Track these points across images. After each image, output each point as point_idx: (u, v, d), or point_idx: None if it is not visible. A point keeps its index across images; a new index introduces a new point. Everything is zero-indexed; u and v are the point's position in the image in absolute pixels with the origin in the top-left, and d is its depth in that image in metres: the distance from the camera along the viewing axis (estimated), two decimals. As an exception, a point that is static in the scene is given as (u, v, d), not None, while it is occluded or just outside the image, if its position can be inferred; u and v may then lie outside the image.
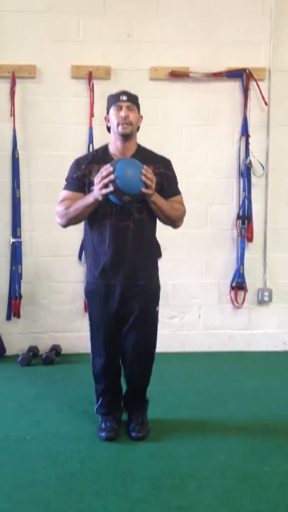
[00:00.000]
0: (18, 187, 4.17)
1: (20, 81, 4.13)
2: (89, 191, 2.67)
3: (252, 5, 4.25)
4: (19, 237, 4.19)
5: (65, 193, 2.78)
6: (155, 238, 2.85)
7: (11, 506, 2.19)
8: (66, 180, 2.81)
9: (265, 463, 2.57)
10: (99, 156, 2.75)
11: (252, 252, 4.39)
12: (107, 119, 2.76)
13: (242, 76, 4.26)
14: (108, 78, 4.17)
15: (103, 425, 2.85)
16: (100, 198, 2.55)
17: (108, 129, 2.79)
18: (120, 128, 2.66)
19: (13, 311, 4.20)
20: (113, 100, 2.73)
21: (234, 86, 4.30)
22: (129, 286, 2.70)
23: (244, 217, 4.33)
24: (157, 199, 2.64)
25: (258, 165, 4.32)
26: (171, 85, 4.25)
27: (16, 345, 4.27)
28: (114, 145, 2.75)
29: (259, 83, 4.26)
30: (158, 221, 2.83)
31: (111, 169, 2.49)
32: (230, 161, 4.35)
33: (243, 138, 4.30)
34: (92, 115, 4.13)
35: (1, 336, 4.21)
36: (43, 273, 4.28)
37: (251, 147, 4.29)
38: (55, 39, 4.14)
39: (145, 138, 4.14)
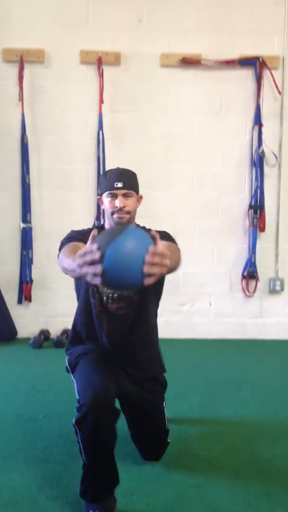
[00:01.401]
0: (28, 172, 4.18)
1: (28, 65, 4.13)
2: None
3: (266, -6, 4.23)
4: (29, 222, 4.20)
5: (66, 246, 2.16)
6: (156, 330, 2.40)
7: (24, 482, 2.19)
8: (66, 238, 2.29)
9: (275, 446, 2.56)
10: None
11: (264, 242, 4.38)
12: (100, 201, 2.32)
13: (255, 65, 4.25)
14: (118, 64, 4.17)
15: None
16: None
17: (103, 210, 2.37)
18: (115, 217, 2.24)
19: (25, 294, 4.23)
20: (106, 186, 2.25)
21: (247, 75, 4.29)
22: (133, 377, 2.26)
23: (256, 207, 4.32)
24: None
25: (271, 155, 4.30)
26: (182, 73, 4.24)
27: (27, 328, 4.30)
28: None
29: (272, 71, 4.24)
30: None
31: (97, 255, 1.59)
32: (243, 150, 4.34)
33: (256, 128, 4.29)
34: (101, 101, 4.14)
35: (12, 319, 4.23)
36: (53, 258, 4.24)
37: (264, 137, 4.28)
38: (64, 23, 4.15)
39: (156, 126, 4.17)
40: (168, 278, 4.48)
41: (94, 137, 4.15)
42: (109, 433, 1.99)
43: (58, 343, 4.04)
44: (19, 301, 4.27)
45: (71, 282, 4.19)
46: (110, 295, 2.19)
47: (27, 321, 4.31)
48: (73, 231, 2.32)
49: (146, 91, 4.21)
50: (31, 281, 4.23)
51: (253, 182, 4.33)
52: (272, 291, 4.41)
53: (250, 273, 4.37)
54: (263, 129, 4.28)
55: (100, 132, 4.15)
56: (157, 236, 1.64)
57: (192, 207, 4.34)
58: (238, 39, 4.25)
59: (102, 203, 2.30)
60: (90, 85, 4.17)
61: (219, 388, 3.33)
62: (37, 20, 4.13)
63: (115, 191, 2.22)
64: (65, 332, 4.20)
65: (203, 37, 4.21)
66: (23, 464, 2.34)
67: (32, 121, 4.19)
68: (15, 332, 4.24)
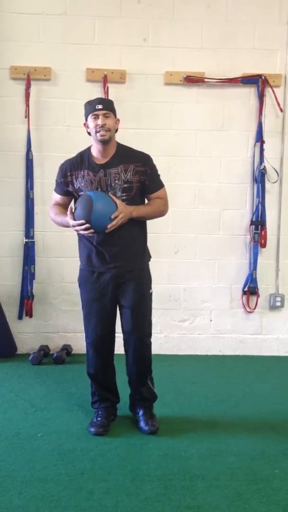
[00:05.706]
0: (32, 188, 4.21)
1: (35, 83, 4.18)
2: (78, 195, 2.88)
3: (269, 12, 4.26)
4: (32, 237, 4.22)
5: (54, 195, 3.03)
6: (142, 235, 2.98)
7: (22, 502, 2.19)
8: (56, 181, 3.01)
9: (276, 466, 2.56)
10: (80, 162, 2.91)
11: (265, 258, 4.39)
12: (86, 125, 2.90)
13: (258, 82, 4.27)
14: (123, 82, 4.21)
15: (94, 419, 2.93)
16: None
17: (89, 133, 2.90)
18: (98, 135, 2.80)
19: (25, 310, 4.23)
20: (90, 109, 2.86)
21: (250, 92, 4.31)
22: (117, 273, 2.86)
23: (258, 223, 4.32)
24: (138, 212, 2.82)
25: (272, 171, 4.32)
26: (186, 90, 4.27)
27: (27, 344, 4.31)
28: (96, 149, 2.90)
29: (274, 89, 4.26)
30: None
31: (87, 225, 2.70)
32: (244, 166, 4.35)
33: (258, 144, 4.30)
34: (106, 118, 4.16)
35: (12, 335, 4.23)
36: (55, 273, 4.30)
37: (265, 153, 4.29)
38: (71, 41, 4.19)
39: (159, 143, 4.20)
40: (169, 293, 4.49)
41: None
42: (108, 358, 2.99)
43: (57, 359, 4.03)
44: (20, 317, 4.27)
45: (72, 297, 4.25)
46: None
47: (27, 337, 4.32)
48: (57, 179, 2.99)
49: (150, 108, 4.25)
50: (32, 296, 4.24)
51: (254, 198, 4.34)
52: (273, 307, 4.41)
53: (251, 289, 4.37)
54: (265, 146, 4.29)
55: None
56: (117, 201, 2.72)
57: (194, 222, 4.35)
58: (241, 57, 4.28)
59: (88, 127, 2.87)
60: (95, 103, 4.21)
61: (219, 405, 3.33)
62: (44, 39, 4.18)
63: (97, 112, 2.80)
64: (64, 348, 4.20)
65: (206, 55, 4.25)
66: (21, 484, 2.34)
67: (38, 138, 4.23)
68: (15, 348, 4.24)
